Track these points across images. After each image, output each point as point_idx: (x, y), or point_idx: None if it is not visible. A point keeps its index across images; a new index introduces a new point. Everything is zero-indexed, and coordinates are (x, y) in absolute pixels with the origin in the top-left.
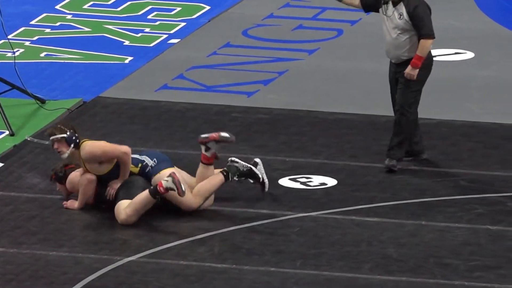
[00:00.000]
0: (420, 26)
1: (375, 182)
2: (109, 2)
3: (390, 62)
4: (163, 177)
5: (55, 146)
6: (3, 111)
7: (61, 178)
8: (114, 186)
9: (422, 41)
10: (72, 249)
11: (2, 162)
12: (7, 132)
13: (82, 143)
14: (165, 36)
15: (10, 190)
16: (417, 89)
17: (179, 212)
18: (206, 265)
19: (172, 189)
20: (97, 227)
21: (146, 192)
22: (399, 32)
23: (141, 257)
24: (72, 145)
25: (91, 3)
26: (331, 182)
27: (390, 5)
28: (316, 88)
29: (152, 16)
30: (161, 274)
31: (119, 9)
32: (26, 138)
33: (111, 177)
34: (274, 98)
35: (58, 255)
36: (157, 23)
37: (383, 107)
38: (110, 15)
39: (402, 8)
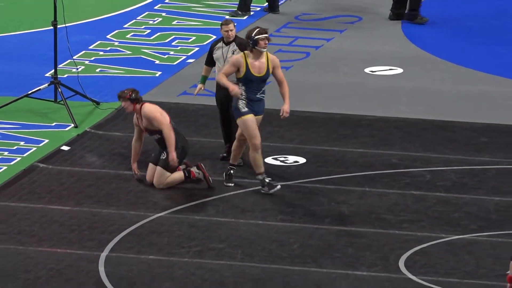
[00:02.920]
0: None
1: (333, 160)
2: (145, 33)
3: (218, 88)
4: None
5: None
6: (69, 109)
7: (134, 99)
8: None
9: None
10: (118, 208)
11: (69, 146)
12: (73, 125)
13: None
14: (184, 57)
15: (74, 166)
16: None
17: (194, 182)
18: (213, 219)
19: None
20: (136, 192)
21: (181, 176)
22: None
23: (167, 214)
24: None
25: (132, 33)
26: (302, 160)
27: (223, 46)
28: (291, 95)
29: (175, 43)
30: (181, 225)
31: (151, 38)
32: (86, 129)
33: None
34: None
35: (109, 212)
36: (179, 48)
37: (338, 107)
38: (145, 42)
39: (234, 46)
